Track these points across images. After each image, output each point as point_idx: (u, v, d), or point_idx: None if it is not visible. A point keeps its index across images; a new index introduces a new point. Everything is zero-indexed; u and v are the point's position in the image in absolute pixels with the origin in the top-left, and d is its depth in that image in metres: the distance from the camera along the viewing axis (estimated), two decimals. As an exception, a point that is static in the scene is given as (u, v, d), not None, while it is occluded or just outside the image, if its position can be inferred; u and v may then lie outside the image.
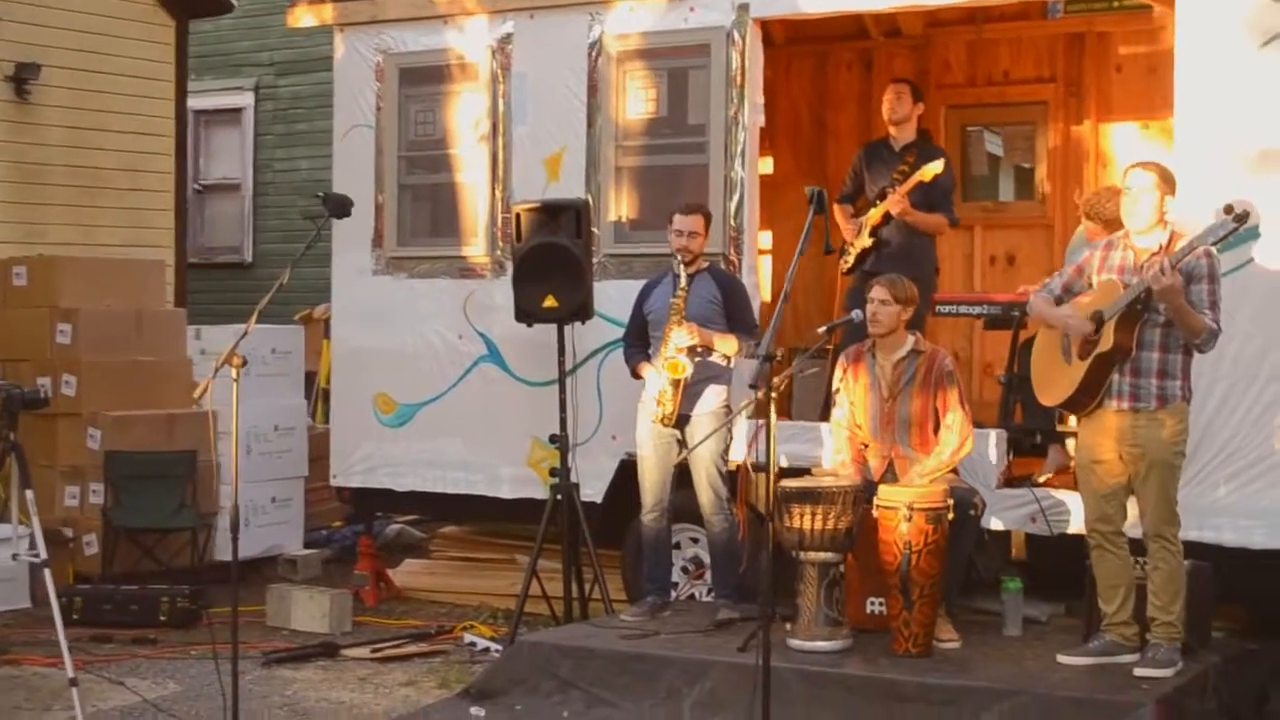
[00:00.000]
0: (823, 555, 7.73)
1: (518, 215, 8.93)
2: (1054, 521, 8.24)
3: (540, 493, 9.58)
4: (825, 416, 8.77)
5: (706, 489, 8.48)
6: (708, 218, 8.59)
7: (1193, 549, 7.50)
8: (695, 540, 9.17)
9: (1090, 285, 7.39)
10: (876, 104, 11.12)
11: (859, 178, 9.68)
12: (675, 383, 8.31)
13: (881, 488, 7.80)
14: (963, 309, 8.87)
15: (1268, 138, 7.82)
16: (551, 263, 8.83)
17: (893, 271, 9.12)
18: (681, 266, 8.38)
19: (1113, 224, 8.52)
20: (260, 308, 7.01)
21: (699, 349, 8.36)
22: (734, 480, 8.61)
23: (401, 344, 10.11)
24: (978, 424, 8.30)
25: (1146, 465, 7.19)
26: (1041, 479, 8.80)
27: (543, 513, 9.15)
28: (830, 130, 11.44)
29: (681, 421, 8.45)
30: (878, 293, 8.12)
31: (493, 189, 9.85)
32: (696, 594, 9.19)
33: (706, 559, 9.10)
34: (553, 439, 8.98)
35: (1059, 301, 7.49)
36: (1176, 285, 6.90)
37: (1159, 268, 6.88)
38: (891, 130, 9.53)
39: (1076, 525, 8.19)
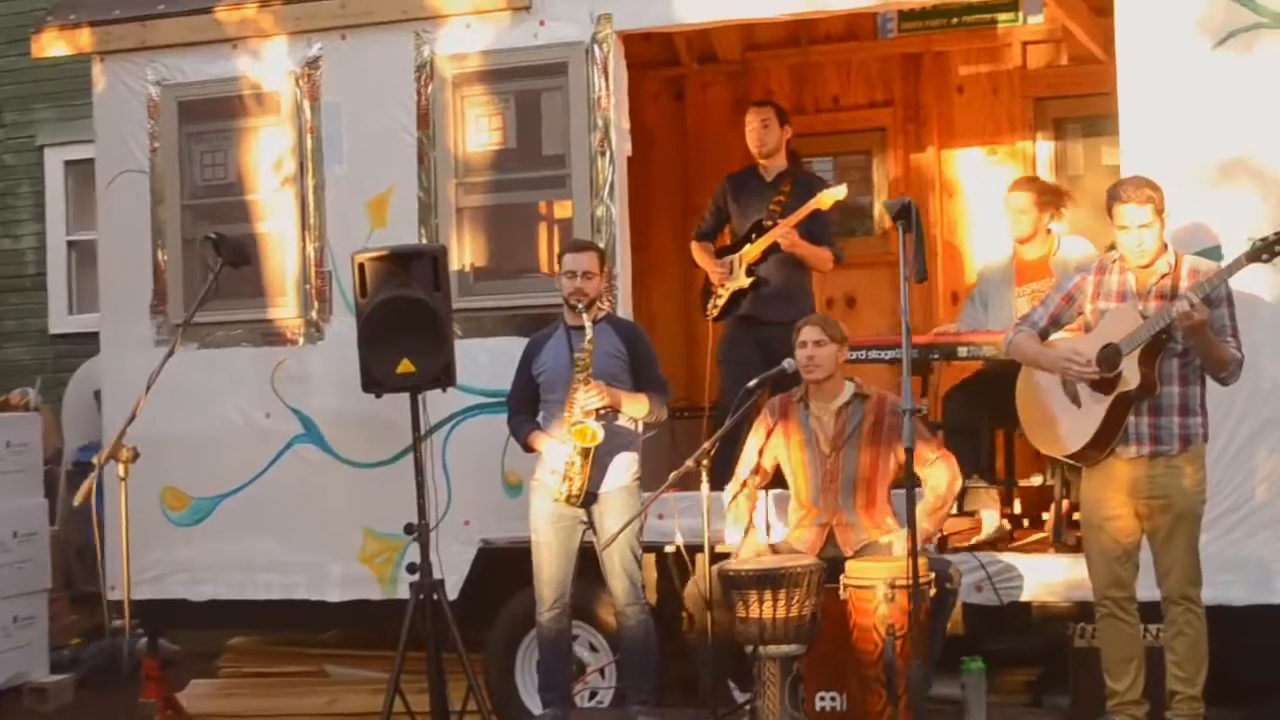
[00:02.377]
0: (786, 648, 6.63)
1: (361, 266, 7.52)
2: (1003, 589, 7.30)
3: (375, 593, 8.36)
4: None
5: (621, 577, 7.28)
6: (601, 256, 7.44)
7: (1152, 611, 6.62)
8: (574, 636, 7.86)
9: (1082, 314, 6.50)
10: (692, 137, 10.20)
11: (721, 212, 8.67)
12: (585, 453, 7.10)
13: (852, 564, 6.73)
14: (872, 354, 7.84)
15: (1224, 147, 7.05)
16: (405, 321, 7.46)
17: (773, 312, 8.16)
18: (584, 315, 7.14)
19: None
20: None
21: (605, 411, 7.14)
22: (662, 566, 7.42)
23: (193, 427, 8.53)
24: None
25: (1172, 518, 6.33)
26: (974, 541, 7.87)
27: (380, 617, 8.08)
28: (636, 167, 10.29)
29: (587, 500, 7.21)
30: (810, 333, 7.08)
31: (303, 239, 8.44)
32: (576, 699, 7.89)
33: (589, 659, 7.92)
34: (408, 529, 7.55)
35: (1044, 335, 6.56)
36: (1206, 319, 6.07)
37: (1187, 302, 6.02)
38: (761, 161, 8.49)
39: (1029, 593, 7.33)
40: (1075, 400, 6.43)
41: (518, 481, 8.01)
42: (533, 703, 8.02)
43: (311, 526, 8.43)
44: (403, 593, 8.13)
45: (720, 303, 8.45)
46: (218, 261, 6.73)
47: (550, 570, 7.32)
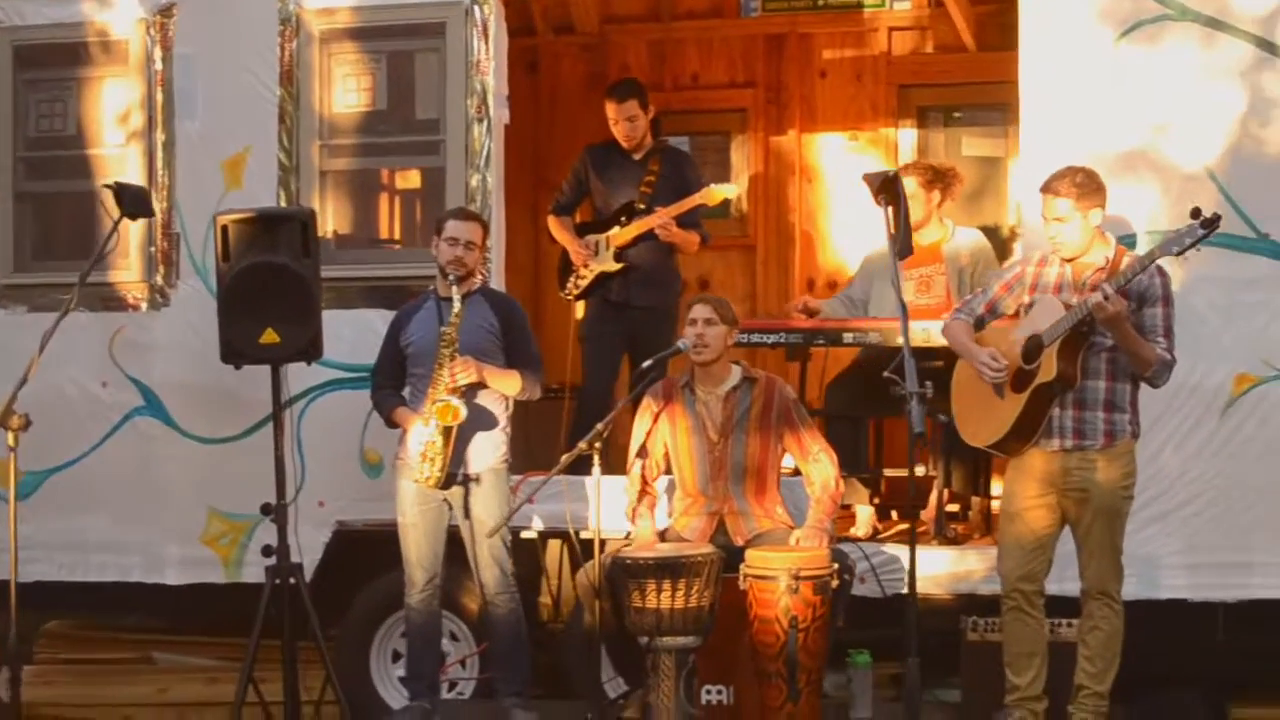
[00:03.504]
0: (683, 640, 6.35)
1: (224, 228, 7.02)
2: (886, 581, 7.10)
3: (218, 576, 7.93)
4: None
5: (490, 564, 6.92)
6: (485, 228, 7.07)
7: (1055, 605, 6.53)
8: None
9: (1021, 304, 6.36)
10: (544, 109, 9.88)
11: (582, 185, 8.32)
12: (447, 432, 6.70)
13: (753, 553, 6.47)
14: (755, 337, 7.61)
15: (1126, 139, 6.96)
16: (270, 288, 6.99)
17: (643, 297, 7.89)
18: (454, 287, 6.76)
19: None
20: None
21: (469, 389, 6.77)
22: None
23: (21, 396, 7.87)
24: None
25: (1091, 512, 6.22)
26: (860, 533, 7.68)
27: (221, 602, 7.78)
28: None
29: (450, 481, 6.84)
30: (700, 311, 6.82)
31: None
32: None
33: (449, 648, 7.55)
34: (265, 509, 7.08)
35: (980, 323, 6.40)
36: (1122, 312, 5.94)
37: (1101, 293, 5.88)
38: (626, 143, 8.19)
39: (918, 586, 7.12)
40: (999, 391, 6.27)
41: (379, 460, 7.63)
42: (387, 694, 7.67)
43: (150, 505, 7.92)
44: (249, 576, 7.78)
45: (584, 284, 8.13)
46: (116, 212, 6.19)
47: (420, 551, 6.94)
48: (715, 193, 7.91)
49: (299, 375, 7.45)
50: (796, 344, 7.65)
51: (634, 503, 6.97)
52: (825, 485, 6.79)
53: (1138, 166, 6.95)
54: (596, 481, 6.51)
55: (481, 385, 6.82)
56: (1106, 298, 5.88)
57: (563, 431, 8.05)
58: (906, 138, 9.54)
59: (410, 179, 7.97)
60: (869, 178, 6.13)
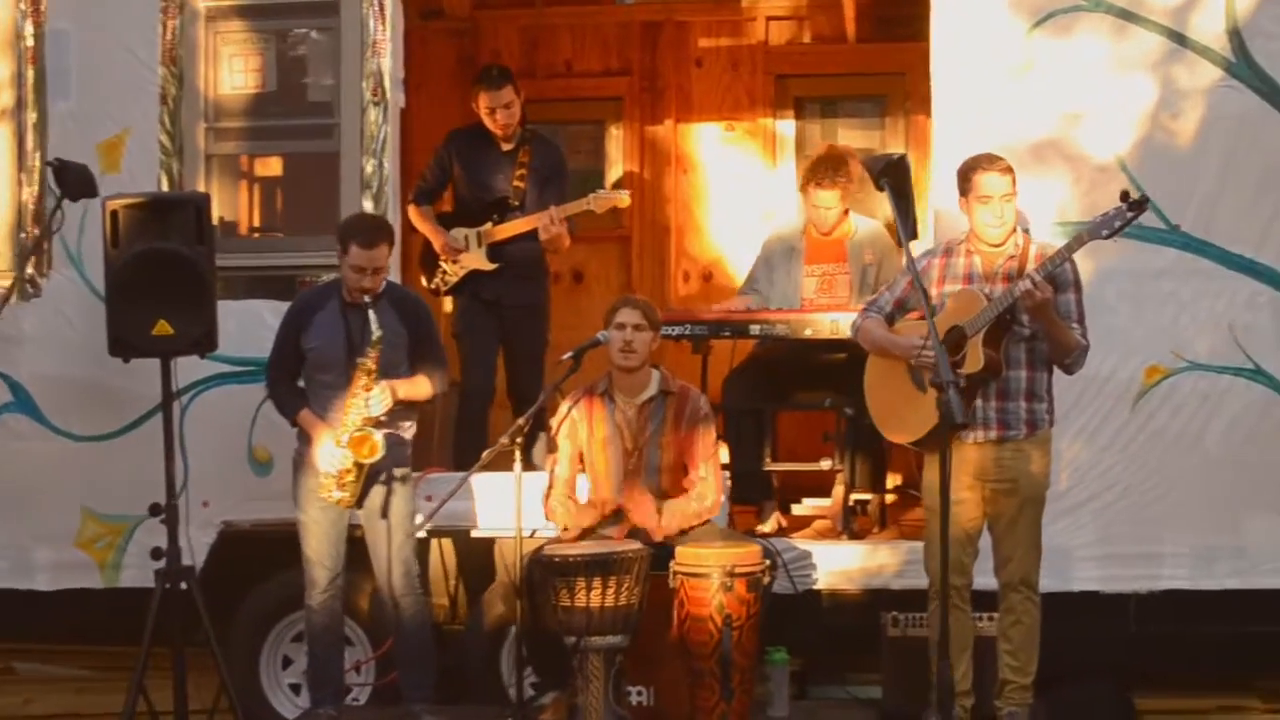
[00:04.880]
0: (611, 639, 6.18)
1: (114, 213, 6.65)
2: (799, 578, 6.99)
3: (94, 581, 7.57)
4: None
5: (396, 563, 6.66)
6: (392, 243, 6.72)
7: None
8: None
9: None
10: (410, 95, 9.53)
11: (446, 173, 8.01)
12: (358, 466, 6.43)
13: (683, 550, 6.32)
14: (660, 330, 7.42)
15: (1037, 128, 6.95)
16: (162, 277, 6.63)
17: (517, 296, 7.70)
18: (371, 314, 6.44)
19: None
20: None
21: (386, 416, 6.54)
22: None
23: (-121, 392, 7.46)
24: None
25: (1018, 503, 6.17)
26: (764, 530, 7.57)
27: (91, 608, 7.49)
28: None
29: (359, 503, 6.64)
30: (629, 316, 6.63)
31: (18, 182, 7.47)
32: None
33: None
34: (154, 509, 6.73)
35: (890, 320, 6.31)
36: (1051, 299, 5.93)
37: (1030, 281, 5.85)
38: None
39: (824, 581, 7.07)
40: (921, 386, 6.17)
41: (268, 458, 7.34)
42: (279, 702, 7.40)
43: (18, 506, 7.51)
44: (128, 581, 7.47)
45: (453, 280, 7.88)
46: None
47: (321, 549, 6.66)
48: (602, 201, 7.75)
49: (182, 369, 7.07)
50: (701, 335, 7.48)
51: (567, 507, 6.72)
52: (701, 498, 6.64)
53: (1049, 157, 6.94)
54: (518, 477, 6.31)
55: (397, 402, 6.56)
56: (1035, 285, 5.84)
57: (436, 429, 7.80)
58: (784, 128, 9.43)
59: (302, 164, 7.62)
60: (869, 162, 5.96)
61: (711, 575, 6.14)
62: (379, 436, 6.39)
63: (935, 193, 7.11)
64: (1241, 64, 6.90)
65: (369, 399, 6.40)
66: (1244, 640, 7.03)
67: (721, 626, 6.10)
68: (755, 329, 7.43)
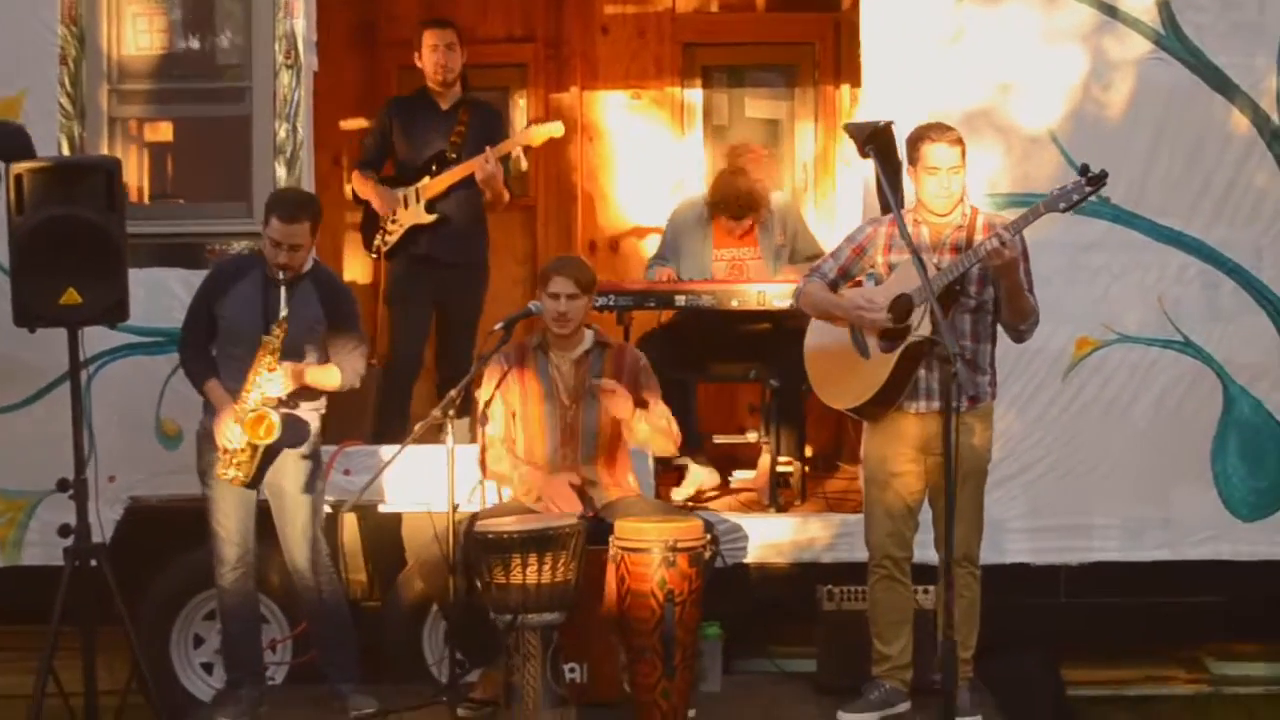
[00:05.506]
0: (548, 616, 6.01)
1: (18, 177, 6.32)
2: (730, 551, 6.86)
3: (-4, 560, 7.17)
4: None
5: (302, 541, 6.43)
6: (316, 221, 6.40)
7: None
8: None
9: (874, 268, 6.17)
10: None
11: (387, 140, 7.83)
12: (252, 448, 6.22)
13: (623, 524, 6.16)
14: (582, 300, 7.27)
15: (967, 99, 6.89)
16: (71, 244, 6.32)
17: (454, 253, 7.52)
18: (284, 291, 6.20)
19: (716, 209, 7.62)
20: None
21: (287, 399, 6.30)
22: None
23: None
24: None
25: (960, 476, 6.02)
26: (681, 499, 7.45)
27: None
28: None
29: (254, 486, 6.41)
30: (561, 285, 6.44)
31: (-90, 143, 7.05)
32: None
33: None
34: (62, 484, 6.45)
35: (833, 288, 6.20)
36: (1018, 258, 5.85)
37: (997, 238, 5.77)
38: (435, 88, 7.75)
39: (754, 554, 6.97)
40: (864, 352, 6.08)
41: (176, 431, 7.08)
42: (190, 682, 7.17)
43: (-89, 483, 7.13)
44: (31, 559, 7.21)
45: (392, 239, 7.67)
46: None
47: (230, 524, 6.38)
48: (538, 132, 7.60)
49: (86, 340, 6.74)
50: (626, 306, 7.34)
51: (496, 455, 6.54)
52: (657, 430, 6.45)
53: (980, 128, 6.85)
54: (451, 450, 6.12)
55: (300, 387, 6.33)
56: (1004, 243, 5.75)
57: (362, 401, 7.57)
58: (693, 97, 9.31)
59: (210, 129, 7.33)
60: (853, 128, 5.81)
61: (653, 550, 5.99)
62: (275, 418, 6.16)
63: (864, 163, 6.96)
64: (1171, 36, 6.89)
65: (270, 379, 6.16)
66: (1171, 611, 7.05)
67: (664, 602, 5.96)
68: (680, 300, 7.31)
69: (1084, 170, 5.75)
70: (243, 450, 6.21)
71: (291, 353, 6.23)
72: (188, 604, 7.09)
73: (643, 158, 9.28)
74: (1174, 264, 6.92)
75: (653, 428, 6.39)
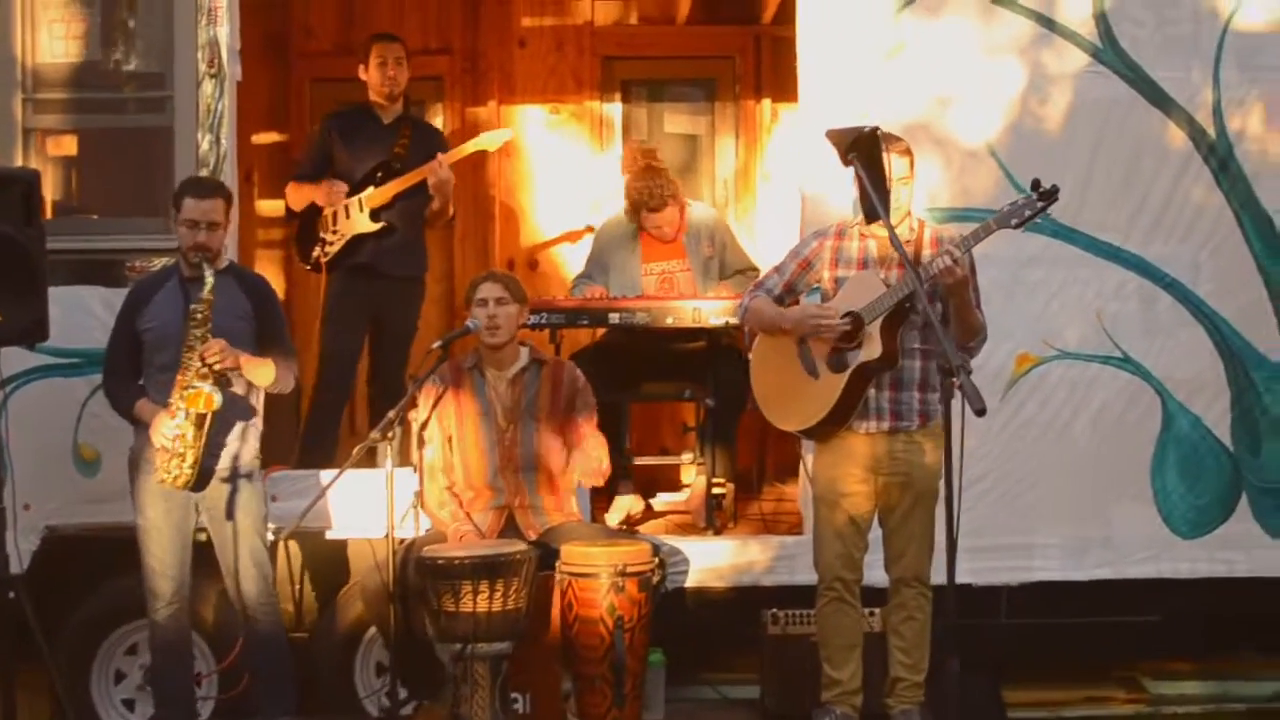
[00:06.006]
0: (499, 645, 5.86)
1: (-68, 191, 6.07)
2: (671, 575, 6.70)
3: (-102, 593, 6.77)
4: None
5: (251, 568, 6.22)
6: (229, 201, 6.27)
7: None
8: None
9: (819, 283, 6.06)
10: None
11: (325, 156, 7.64)
12: (200, 421, 5.96)
13: (570, 548, 6.02)
14: (514, 318, 7.10)
15: (906, 112, 6.78)
16: (-13, 260, 6.08)
17: (396, 265, 7.38)
18: (205, 267, 6.01)
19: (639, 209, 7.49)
20: None
21: (223, 376, 6.05)
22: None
23: None
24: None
25: (912, 497, 6.00)
26: (614, 525, 7.29)
27: None
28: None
29: (202, 481, 6.13)
30: (490, 290, 6.31)
31: None
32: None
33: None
34: (-24, 514, 6.19)
35: (779, 303, 6.09)
36: (968, 275, 5.77)
37: (949, 255, 5.68)
38: (379, 102, 7.56)
39: (693, 578, 6.84)
40: (813, 372, 5.97)
41: (94, 457, 6.83)
42: (111, 720, 6.84)
43: None
44: (-61, 593, 6.76)
45: (333, 249, 7.47)
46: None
47: (165, 558, 6.16)
48: (492, 139, 7.60)
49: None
50: (559, 323, 7.18)
51: (439, 495, 6.35)
52: (596, 454, 6.36)
53: (919, 140, 6.66)
54: (389, 474, 5.96)
55: (233, 373, 6.10)
56: (955, 261, 5.67)
57: (287, 422, 7.38)
58: (612, 112, 9.16)
59: (130, 140, 7.07)
60: (835, 134, 5.65)
61: (601, 575, 5.87)
62: (212, 389, 5.92)
63: (809, 175, 6.86)
64: (1108, 50, 6.86)
65: (202, 350, 5.92)
66: (1110, 630, 7.00)
67: (613, 629, 5.82)
68: (614, 317, 7.18)
69: (1035, 185, 5.68)
70: (183, 434, 5.95)
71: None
72: (109, 637, 6.83)
73: (561, 174, 9.12)
74: (1113, 279, 6.88)
75: (584, 470, 6.27)
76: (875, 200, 5.44)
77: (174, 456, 5.99)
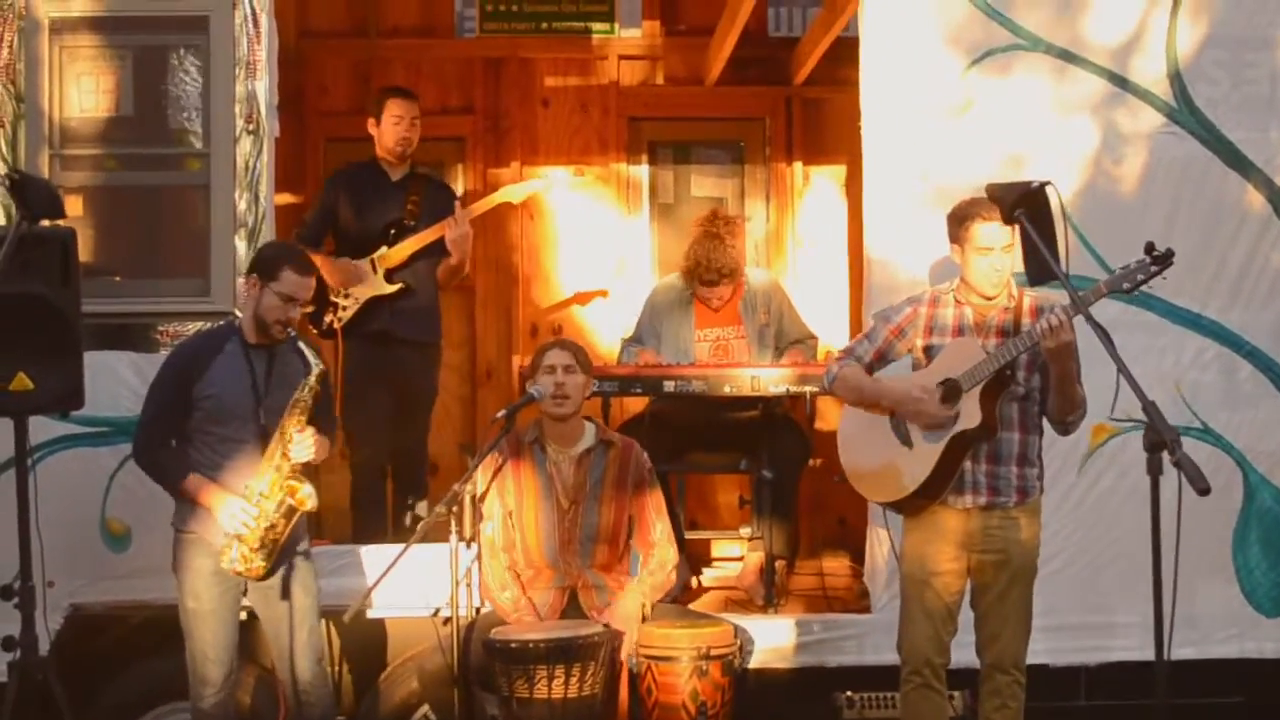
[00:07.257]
0: (574, 733, 5.48)
1: (-38, 250, 5.68)
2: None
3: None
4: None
5: (308, 650, 5.83)
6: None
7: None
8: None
9: (912, 349, 5.77)
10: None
11: (330, 215, 7.35)
12: (290, 514, 5.62)
13: (648, 629, 5.66)
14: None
15: (975, 172, 6.47)
16: (21, 323, 5.68)
17: (414, 330, 7.06)
18: (303, 345, 5.70)
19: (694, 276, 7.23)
20: None
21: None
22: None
23: None
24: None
25: (1008, 577, 5.68)
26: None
27: None
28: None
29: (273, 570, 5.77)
30: (559, 358, 5.99)
31: None
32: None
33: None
34: (5, 592, 5.77)
35: (869, 371, 5.78)
36: (1074, 341, 5.48)
37: (1050, 320, 5.39)
38: (387, 159, 7.28)
39: (757, 659, 6.49)
40: (907, 441, 5.65)
41: (123, 531, 6.47)
42: (144, 817, 6.42)
43: None
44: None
45: (347, 315, 7.14)
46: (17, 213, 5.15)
47: (218, 642, 5.77)
48: (518, 190, 7.35)
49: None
50: (611, 391, 6.85)
51: (499, 574, 6.01)
52: (663, 563, 6.09)
53: (988, 202, 6.51)
54: (454, 549, 5.59)
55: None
56: (1060, 323, 5.38)
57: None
58: (639, 174, 8.89)
59: (163, 198, 6.71)
60: (999, 190, 5.33)
61: (682, 659, 5.53)
62: (309, 488, 5.57)
63: (875, 240, 6.58)
64: (1183, 109, 6.63)
65: (300, 442, 5.57)
66: (1192, 712, 6.68)
67: (696, 715, 5.47)
68: (669, 385, 6.83)
69: (1149, 248, 5.38)
70: (272, 525, 5.59)
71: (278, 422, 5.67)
72: (140, 721, 6.42)
73: (587, 237, 8.83)
74: (1191, 347, 6.63)
75: (652, 585, 6.04)
76: (1049, 258, 5.12)
77: (259, 549, 5.61)
